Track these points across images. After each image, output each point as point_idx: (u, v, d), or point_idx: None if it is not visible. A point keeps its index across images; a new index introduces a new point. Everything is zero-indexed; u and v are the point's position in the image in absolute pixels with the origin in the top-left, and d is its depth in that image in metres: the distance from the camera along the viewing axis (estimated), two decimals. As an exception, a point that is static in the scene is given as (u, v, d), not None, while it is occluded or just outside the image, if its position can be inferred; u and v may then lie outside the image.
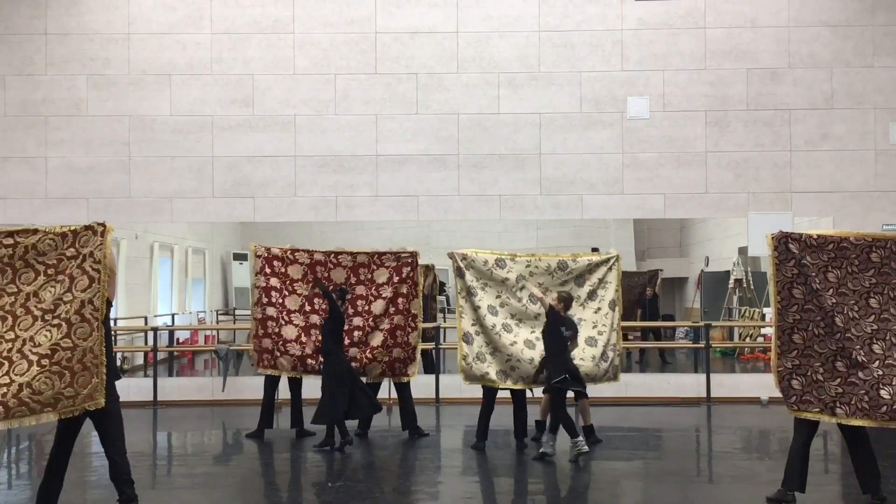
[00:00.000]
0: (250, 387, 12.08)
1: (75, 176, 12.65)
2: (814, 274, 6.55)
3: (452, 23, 12.77)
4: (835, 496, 7.61)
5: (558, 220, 13.63)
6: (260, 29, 12.74)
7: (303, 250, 9.95)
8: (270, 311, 9.79)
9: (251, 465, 8.94)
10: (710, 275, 17.30)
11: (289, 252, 9.92)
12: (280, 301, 9.79)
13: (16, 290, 6.01)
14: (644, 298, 15.72)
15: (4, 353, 5.95)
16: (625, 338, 14.84)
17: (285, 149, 12.72)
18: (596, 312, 9.42)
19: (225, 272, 19.21)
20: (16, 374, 5.94)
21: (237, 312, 18.38)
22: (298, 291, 9.87)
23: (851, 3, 12.69)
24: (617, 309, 9.52)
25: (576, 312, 9.27)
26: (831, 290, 6.53)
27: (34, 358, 5.97)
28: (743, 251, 15.56)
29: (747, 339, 16.27)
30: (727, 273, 17.05)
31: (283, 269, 9.86)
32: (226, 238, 18.96)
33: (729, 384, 12.61)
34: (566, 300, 8.80)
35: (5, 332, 5.97)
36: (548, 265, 9.45)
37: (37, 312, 6.01)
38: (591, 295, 9.46)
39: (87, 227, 6.20)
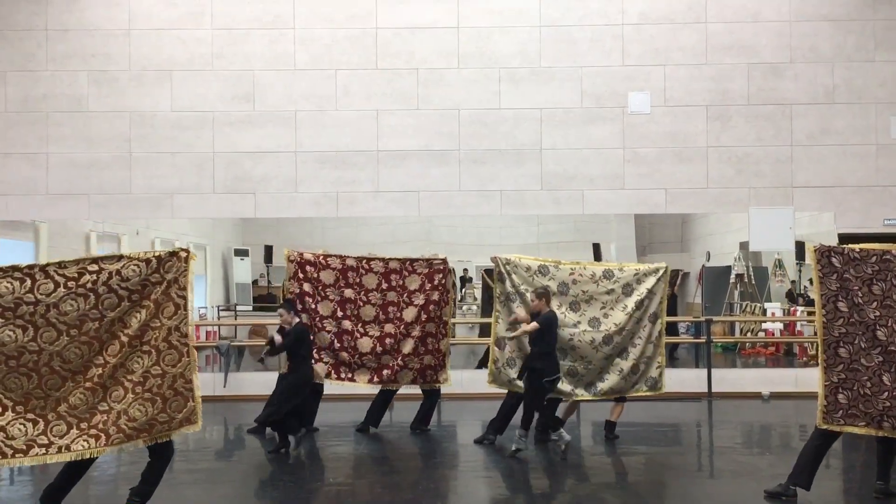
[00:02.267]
0: (251, 382, 12.09)
1: (76, 172, 12.65)
2: (857, 288, 6.57)
3: (453, 18, 12.75)
4: (835, 491, 7.63)
5: (559, 215, 13.62)
6: (261, 24, 12.72)
7: (335, 255, 9.91)
8: (304, 317, 9.76)
9: (253, 461, 8.95)
10: (711, 270, 17.29)
11: (321, 257, 9.89)
12: (313, 307, 9.78)
13: (99, 315, 5.97)
14: None
15: (96, 379, 6.00)
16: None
17: (286, 144, 12.71)
18: (637, 323, 9.29)
19: (226, 268, 19.21)
20: (113, 401, 6.04)
21: (238, 308, 18.39)
22: (330, 297, 9.83)
23: (853, -2, 12.67)
24: (658, 322, 9.38)
25: (620, 322, 9.16)
26: (875, 303, 6.54)
27: (129, 385, 6.07)
28: (744, 246, 15.55)
29: (748, 334, 16.28)
30: (728, 268, 17.04)
31: (315, 275, 9.83)
32: (227, 234, 18.95)
33: (730, 379, 12.62)
34: (543, 295, 8.70)
35: (93, 356, 5.99)
36: (592, 273, 9.32)
37: (124, 339, 6.03)
38: (639, 305, 9.29)
39: (171, 254, 6.20)
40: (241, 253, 19.12)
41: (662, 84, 12.68)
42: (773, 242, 13.09)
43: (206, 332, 16.71)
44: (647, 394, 9.56)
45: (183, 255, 6.20)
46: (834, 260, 6.64)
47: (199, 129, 12.70)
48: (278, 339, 8.84)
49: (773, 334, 15.47)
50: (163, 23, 12.70)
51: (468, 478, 8.16)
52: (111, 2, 12.71)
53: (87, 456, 6.02)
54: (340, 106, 12.73)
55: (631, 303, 9.26)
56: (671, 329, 15.73)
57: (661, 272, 9.43)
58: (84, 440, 5.95)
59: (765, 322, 15.54)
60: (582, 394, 9.22)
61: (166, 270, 6.13)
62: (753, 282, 16.66)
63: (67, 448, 5.94)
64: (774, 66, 12.65)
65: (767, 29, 12.67)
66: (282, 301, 9.70)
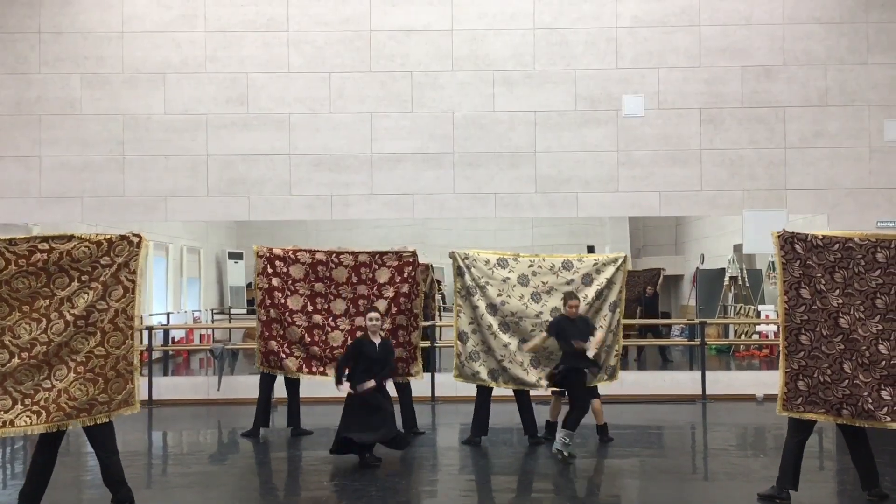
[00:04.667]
0: (246, 386, 12.05)
1: (69, 175, 12.61)
2: (819, 275, 6.57)
3: (447, 21, 12.75)
4: (829, 493, 7.63)
5: (554, 218, 13.64)
6: (254, 27, 12.71)
7: (304, 250, 9.93)
8: (273, 312, 9.78)
9: (246, 465, 8.92)
10: (705, 272, 17.34)
11: (291, 252, 9.91)
12: (282, 301, 9.78)
13: (50, 293, 6.11)
14: (644, 297, 15.74)
15: (40, 356, 6.08)
16: (624, 336, 14.88)
17: (280, 147, 12.69)
18: (597, 313, 9.38)
19: (220, 271, 19.19)
20: (56, 380, 6.14)
21: (232, 311, 18.37)
22: (300, 291, 9.83)
23: (845, 1, 12.70)
24: (618, 311, 9.46)
25: (581, 312, 9.20)
26: (838, 291, 6.54)
27: (72, 365, 6.16)
28: (738, 249, 15.59)
29: (742, 337, 16.31)
30: (722, 270, 17.09)
31: (284, 269, 9.84)
32: (221, 237, 18.94)
33: (724, 381, 12.63)
34: (574, 296, 8.84)
35: (39, 334, 6.08)
36: (552, 265, 9.44)
37: (69, 318, 6.13)
38: (599, 295, 9.38)
39: (122, 237, 6.32)
40: (235, 256, 19.13)
41: (656, 87, 12.70)
42: (767, 245, 12.88)
43: (201, 335, 16.69)
44: (607, 382, 9.55)
45: (135, 239, 6.32)
46: (797, 246, 6.66)
47: (193, 132, 12.68)
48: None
49: (767, 336, 15.51)
50: (156, 25, 12.68)
51: (461, 481, 8.14)
52: (104, 4, 12.69)
53: (29, 432, 6.10)
54: (334, 109, 12.72)
55: (591, 292, 9.36)
56: (657, 330, 15.81)
57: (619, 262, 9.54)
58: (27, 416, 6.05)
59: (759, 324, 15.58)
60: (545, 383, 9.27)
61: (117, 254, 6.25)
62: (747, 284, 16.71)
63: (11, 423, 6.03)
64: (767, 68, 12.68)
65: (760, 32, 12.70)
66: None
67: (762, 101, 12.67)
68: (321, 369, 9.78)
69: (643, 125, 12.70)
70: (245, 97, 12.70)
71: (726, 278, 16.93)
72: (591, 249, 17.00)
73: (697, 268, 17.50)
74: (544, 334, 8.95)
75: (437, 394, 12.16)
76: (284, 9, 12.71)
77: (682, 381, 12.62)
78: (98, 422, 6.31)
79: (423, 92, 12.72)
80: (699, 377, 12.44)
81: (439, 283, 15.92)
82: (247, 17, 12.71)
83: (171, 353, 14.87)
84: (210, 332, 16.57)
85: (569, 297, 8.85)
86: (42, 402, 6.07)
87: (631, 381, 12.56)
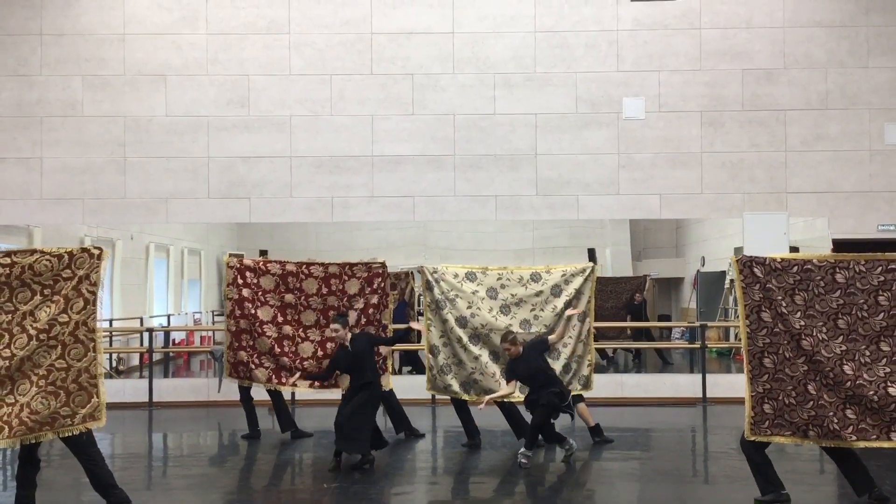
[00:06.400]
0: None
1: (70, 177, 12.62)
2: (780, 297, 6.60)
3: (448, 23, 12.76)
4: (830, 496, 7.62)
5: (554, 220, 13.62)
6: (255, 30, 12.73)
7: (275, 261, 10.03)
8: (243, 323, 9.83)
9: (246, 467, 8.92)
10: (705, 275, 17.30)
11: (261, 263, 9.98)
12: (252, 312, 9.82)
13: (13, 308, 6.12)
14: (633, 303, 15.76)
15: (3, 372, 6.06)
16: (617, 340, 14.91)
17: (281, 149, 12.70)
18: (566, 323, 9.44)
19: (221, 273, 19.14)
20: (20, 394, 6.13)
21: (233, 313, 18.32)
22: (271, 302, 9.89)
23: (846, 4, 12.71)
24: (587, 320, 9.52)
25: (550, 323, 9.37)
26: (799, 313, 6.57)
27: (35, 379, 6.15)
28: (739, 252, 15.57)
29: (743, 340, 16.29)
30: (723, 273, 17.05)
31: (255, 280, 9.91)
32: (221, 239, 18.90)
33: (725, 384, 12.62)
34: (510, 340, 8.71)
35: (2, 349, 6.07)
36: (520, 277, 9.56)
37: (32, 332, 6.13)
38: (568, 305, 9.48)
39: (83, 250, 6.35)
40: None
41: (657, 90, 12.70)
42: (768, 248, 12.98)
43: (201, 337, 16.69)
44: (581, 392, 9.56)
45: (95, 251, 6.35)
46: (756, 270, 6.67)
47: (194, 134, 12.69)
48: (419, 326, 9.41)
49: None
50: (157, 27, 12.70)
51: (461, 483, 8.14)
52: (106, 6, 12.71)
53: None
54: (335, 111, 12.73)
55: (560, 303, 9.46)
56: (649, 334, 15.81)
57: (587, 272, 9.62)
58: None
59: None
60: (517, 396, 9.28)
61: (78, 266, 6.27)
62: (748, 287, 16.66)
63: None
64: (768, 71, 12.69)
65: (761, 35, 12.71)
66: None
67: (763, 105, 12.67)
68: (291, 380, 9.82)
69: (644, 128, 12.70)
70: (246, 99, 12.71)
71: (727, 281, 16.90)
72: (591, 252, 16.99)
73: (698, 270, 17.47)
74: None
75: (437, 396, 12.12)
76: (285, 11, 12.72)
77: (683, 384, 12.62)
78: (61, 435, 6.29)
79: (424, 94, 12.73)
80: (699, 380, 12.45)
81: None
82: (248, 20, 12.73)
83: (171, 354, 14.86)
84: (210, 333, 16.55)
85: (502, 339, 8.79)
86: (5, 418, 6.05)
87: (631, 384, 12.59)
